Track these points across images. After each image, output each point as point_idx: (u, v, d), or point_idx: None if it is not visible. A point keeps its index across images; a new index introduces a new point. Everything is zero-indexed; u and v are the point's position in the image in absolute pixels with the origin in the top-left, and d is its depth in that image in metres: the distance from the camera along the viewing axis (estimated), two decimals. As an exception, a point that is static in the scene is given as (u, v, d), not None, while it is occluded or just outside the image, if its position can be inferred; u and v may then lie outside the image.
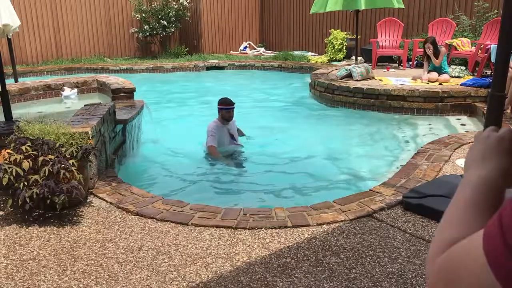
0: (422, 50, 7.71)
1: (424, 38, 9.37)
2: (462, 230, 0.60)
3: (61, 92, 6.18)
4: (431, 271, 0.59)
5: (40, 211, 3.18)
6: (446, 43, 8.38)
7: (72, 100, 6.08)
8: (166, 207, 3.25)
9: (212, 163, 5.00)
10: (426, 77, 7.40)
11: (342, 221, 2.99)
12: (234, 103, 5.00)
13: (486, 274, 0.49)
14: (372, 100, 6.96)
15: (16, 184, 3.02)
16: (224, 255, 2.61)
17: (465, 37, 8.76)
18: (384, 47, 9.34)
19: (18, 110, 5.21)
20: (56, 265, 2.54)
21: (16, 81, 7.34)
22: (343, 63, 10.81)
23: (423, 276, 2.38)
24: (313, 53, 13.11)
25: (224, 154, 5.00)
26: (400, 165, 4.17)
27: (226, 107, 4.94)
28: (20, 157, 3.08)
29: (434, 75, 7.40)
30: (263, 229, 2.89)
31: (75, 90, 6.18)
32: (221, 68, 12.38)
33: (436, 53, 7.43)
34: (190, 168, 4.88)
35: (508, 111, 5.76)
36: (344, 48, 11.43)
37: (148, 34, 13.77)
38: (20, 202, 2.97)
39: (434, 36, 7.92)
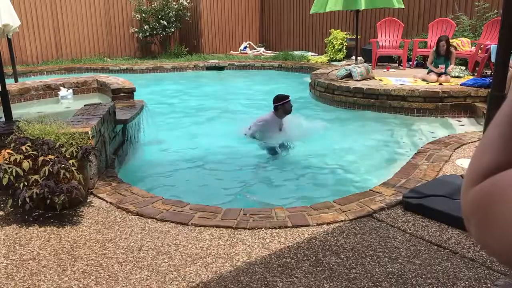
0: (434, 46, 7.66)
1: (424, 38, 9.40)
2: (503, 156, 0.50)
3: (58, 92, 6.24)
4: (465, 202, 0.52)
5: (40, 211, 3.18)
6: (452, 49, 8.37)
7: (68, 100, 6.16)
8: (166, 207, 3.25)
9: (212, 162, 5.00)
10: (433, 77, 7.36)
11: (342, 221, 2.99)
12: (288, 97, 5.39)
13: None
14: (372, 100, 6.96)
15: (16, 184, 3.02)
16: (224, 255, 2.61)
17: (465, 37, 8.76)
18: (384, 47, 9.34)
19: (18, 110, 5.21)
20: (56, 265, 2.54)
21: (16, 81, 7.33)
22: (343, 63, 10.80)
23: (423, 276, 2.38)
24: (313, 53, 13.10)
25: (272, 142, 5.33)
26: (400, 165, 4.17)
27: (288, 100, 5.34)
28: (20, 157, 3.08)
29: (434, 76, 7.39)
30: (263, 229, 2.89)
31: (71, 90, 6.26)
32: (221, 68, 12.38)
33: (448, 54, 7.44)
34: (190, 168, 4.89)
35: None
36: (344, 48, 11.43)
37: (148, 34, 13.77)
38: (20, 202, 2.97)
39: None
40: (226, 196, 4.09)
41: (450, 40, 8.32)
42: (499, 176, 0.49)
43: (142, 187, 3.80)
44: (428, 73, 7.54)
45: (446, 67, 7.45)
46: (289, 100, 5.35)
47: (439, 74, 7.40)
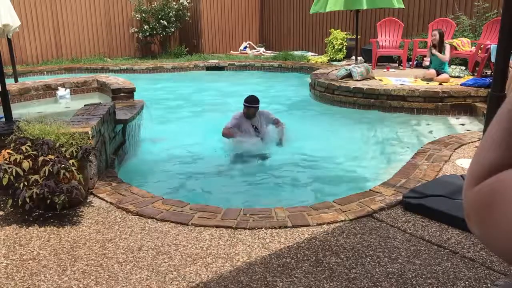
0: (429, 40, 7.72)
1: (424, 38, 9.40)
2: (505, 153, 0.50)
3: (56, 92, 6.28)
4: (467, 200, 0.52)
5: (40, 211, 3.18)
6: (446, 43, 8.38)
7: (66, 100, 6.21)
8: (166, 207, 3.25)
9: (212, 162, 5.00)
10: (432, 71, 7.39)
11: (342, 221, 2.99)
12: (255, 103, 5.32)
13: None
14: (372, 100, 6.96)
15: (16, 184, 3.02)
16: (224, 255, 2.61)
17: (465, 37, 8.76)
18: (384, 47, 9.34)
19: (18, 110, 5.22)
20: (56, 265, 2.54)
21: (16, 81, 7.33)
22: (343, 63, 10.80)
23: (423, 276, 2.38)
24: (313, 53, 13.10)
25: (244, 148, 5.25)
26: (400, 165, 4.17)
27: (245, 105, 5.32)
28: (20, 157, 3.08)
29: (432, 71, 7.42)
30: (263, 229, 2.89)
31: (69, 90, 6.33)
32: (221, 68, 12.37)
33: (441, 48, 7.46)
34: (190, 168, 4.89)
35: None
36: (344, 48, 11.42)
37: (148, 34, 13.76)
38: (20, 202, 2.97)
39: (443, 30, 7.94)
40: (226, 196, 4.09)
41: (450, 40, 8.33)
42: (503, 174, 0.48)
43: (142, 187, 3.80)
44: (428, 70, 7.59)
45: (440, 65, 7.45)
46: (247, 106, 5.26)
47: (438, 73, 7.41)
